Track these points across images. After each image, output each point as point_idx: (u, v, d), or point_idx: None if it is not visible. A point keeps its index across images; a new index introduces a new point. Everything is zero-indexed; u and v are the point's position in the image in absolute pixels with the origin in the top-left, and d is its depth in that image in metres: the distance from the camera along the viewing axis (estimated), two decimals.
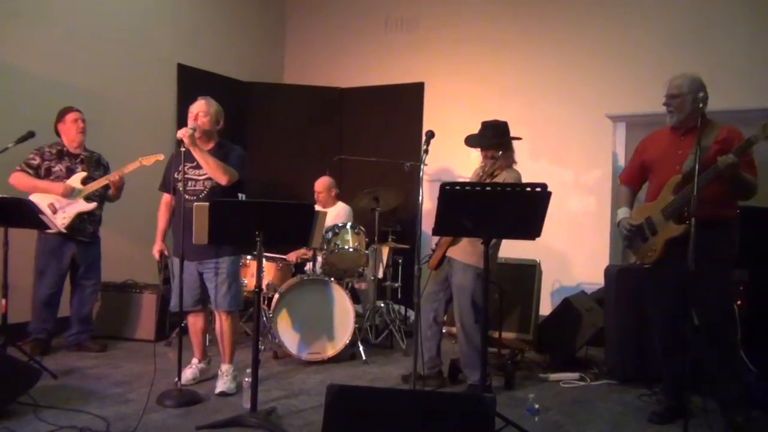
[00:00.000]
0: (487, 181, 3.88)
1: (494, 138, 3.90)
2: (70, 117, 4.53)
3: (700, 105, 3.14)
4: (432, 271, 4.06)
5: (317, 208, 5.45)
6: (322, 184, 5.58)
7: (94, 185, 4.46)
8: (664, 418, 3.46)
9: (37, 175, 4.44)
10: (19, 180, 4.40)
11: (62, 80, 5.16)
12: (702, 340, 3.27)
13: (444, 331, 4.28)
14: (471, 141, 3.99)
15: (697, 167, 2.96)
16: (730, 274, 3.44)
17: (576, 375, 4.35)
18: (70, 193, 4.39)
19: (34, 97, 4.96)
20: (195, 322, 4.03)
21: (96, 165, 4.63)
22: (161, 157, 4.30)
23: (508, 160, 3.94)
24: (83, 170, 4.52)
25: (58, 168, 4.47)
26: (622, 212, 3.64)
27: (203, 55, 6.39)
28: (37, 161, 4.44)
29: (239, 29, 6.88)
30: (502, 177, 3.86)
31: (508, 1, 6.22)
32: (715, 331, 3.30)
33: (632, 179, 3.73)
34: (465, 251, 3.87)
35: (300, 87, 7.05)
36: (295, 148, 6.78)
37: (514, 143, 4.00)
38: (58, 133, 4.56)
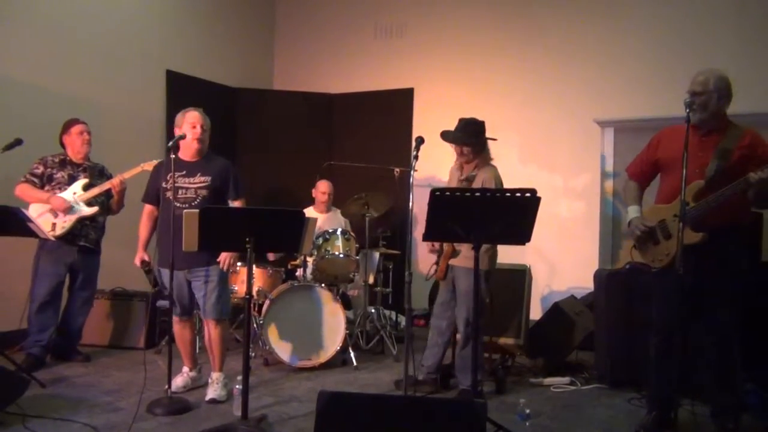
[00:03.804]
0: (465, 182, 3.93)
1: (470, 137, 3.93)
2: (76, 129, 4.53)
3: (724, 105, 3.04)
4: (440, 281, 4.09)
5: (313, 211, 5.60)
6: (329, 185, 5.67)
7: (96, 190, 4.45)
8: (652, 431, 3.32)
9: (41, 183, 4.43)
10: (24, 191, 4.39)
11: (50, 87, 5.13)
12: (701, 349, 3.23)
13: None
14: (446, 136, 4.00)
15: (683, 174, 2.89)
16: (742, 286, 3.22)
17: (566, 379, 4.36)
18: (70, 209, 4.35)
19: (22, 105, 4.94)
20: (183, 333, 3.99)
21: (99, 175, 4.61)
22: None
23: (485, 158, 4.00)
24: (85, 177, 4.50)
25: (60, 175, 4.46)
26: (633, 211, 3.43)
27: (192, 61, 6.38)
28: (40, 170, 4.44)
29: (228, 35, 6.88)
30: (481, 176, 3.91)
31: (497, 8, 6.26)
32: (720, 344, 3.20)
33: (643, 175, 3.50)
34: (466, 257, 3.89)
35: (290, 93, 7.06)
36: (285, 154, 6.77)
37: (500, 144, 4.07)
38: (63, 145, 4.56)
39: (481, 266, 3.69)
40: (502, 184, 3.95)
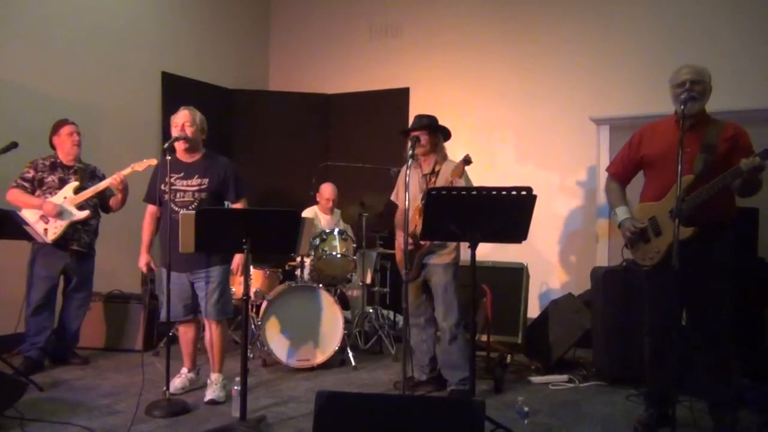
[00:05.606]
0: (433, 179, 3.96)
1: (430, 124, 3.99)
2: (65, 130, 4.49)
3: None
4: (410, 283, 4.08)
5: (318, 211, 5.58)
6: (334, 191, 5.64)
7: (88, 193, 4.41)
8: (651, 428, 3.33)
9: (32, 188, 4.41)
10: (15, 196, 4.37)
11: (45, 90, 5.12)
12: (696, 345, 3.23)
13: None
14: (411, 126, 4.02)
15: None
16: (732, 281, 3.21)
17: (564, 377, 4.37)
18: (59, 214, 4.33)
19: (17, 107, 4.92)
20: (186, 332, 4.01)
21: (90, 176, 4.57)
22: (154, 162, 4.22)
23: (443, 153, 4.04)
24: (76, 180, 4.47)
25: (51, 179, 4.43)
26: (623, 212, 3.40)
27: (187, 63, 6.38)
28: (31, 174, 4.42)
29: (223, 36, 6.87)
30: (446, 170, 3.89)
31: (492, 7, 6.26)
32: (714, 341, 3.19)
33: (625, 174, 3.50)
34: (439, 254, 3.93)
35: (285, 93, 7.05)
36: (281, 155, 6.77)
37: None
38: (53, 146, 4.53)
39: (454, 260, 3.92)
40: (469, 180, 3.98)
